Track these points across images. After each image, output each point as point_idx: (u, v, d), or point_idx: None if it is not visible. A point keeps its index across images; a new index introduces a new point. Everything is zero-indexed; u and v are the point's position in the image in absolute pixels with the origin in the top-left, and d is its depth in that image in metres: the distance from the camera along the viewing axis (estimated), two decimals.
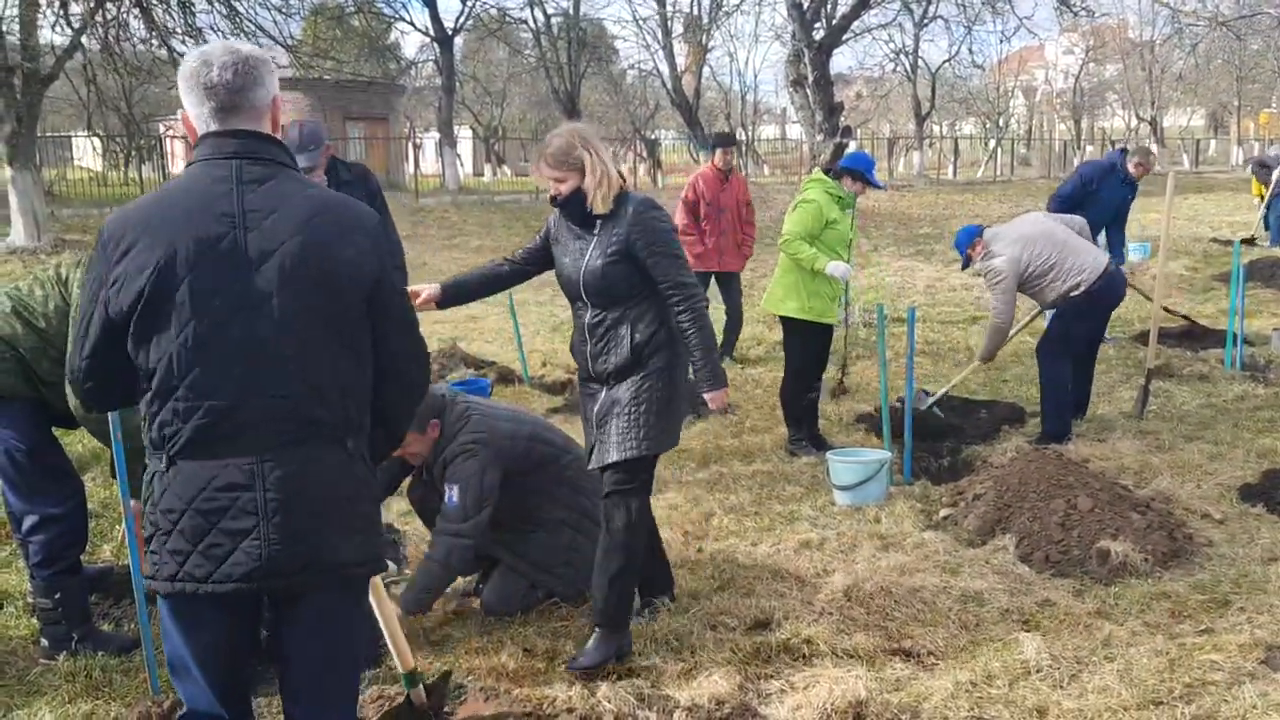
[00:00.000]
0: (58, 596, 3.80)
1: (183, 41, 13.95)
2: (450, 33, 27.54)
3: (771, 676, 3.59)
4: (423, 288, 3.83)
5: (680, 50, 24.92)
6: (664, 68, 25.68)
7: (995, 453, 6.11)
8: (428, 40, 29.27)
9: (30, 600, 4.02)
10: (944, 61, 35.24)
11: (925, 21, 31.78)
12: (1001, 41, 36.25)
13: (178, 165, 29.17)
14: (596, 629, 3.73)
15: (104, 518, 5.20)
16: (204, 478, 2.23)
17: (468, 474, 3.96)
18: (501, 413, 4.30)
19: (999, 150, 39.59)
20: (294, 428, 2.27)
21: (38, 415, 3.70)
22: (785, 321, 6.41)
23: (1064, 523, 4.65)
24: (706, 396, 3.73)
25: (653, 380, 3.64)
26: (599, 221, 3.63)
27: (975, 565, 4.52)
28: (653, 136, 38.63)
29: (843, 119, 11.49)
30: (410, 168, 27.64)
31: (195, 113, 2.34)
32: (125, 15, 13.28)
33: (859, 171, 6.33)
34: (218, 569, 2.24)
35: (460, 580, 4.34)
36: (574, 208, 3.63)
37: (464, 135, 36.76)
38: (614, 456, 3.64)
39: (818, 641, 3.79)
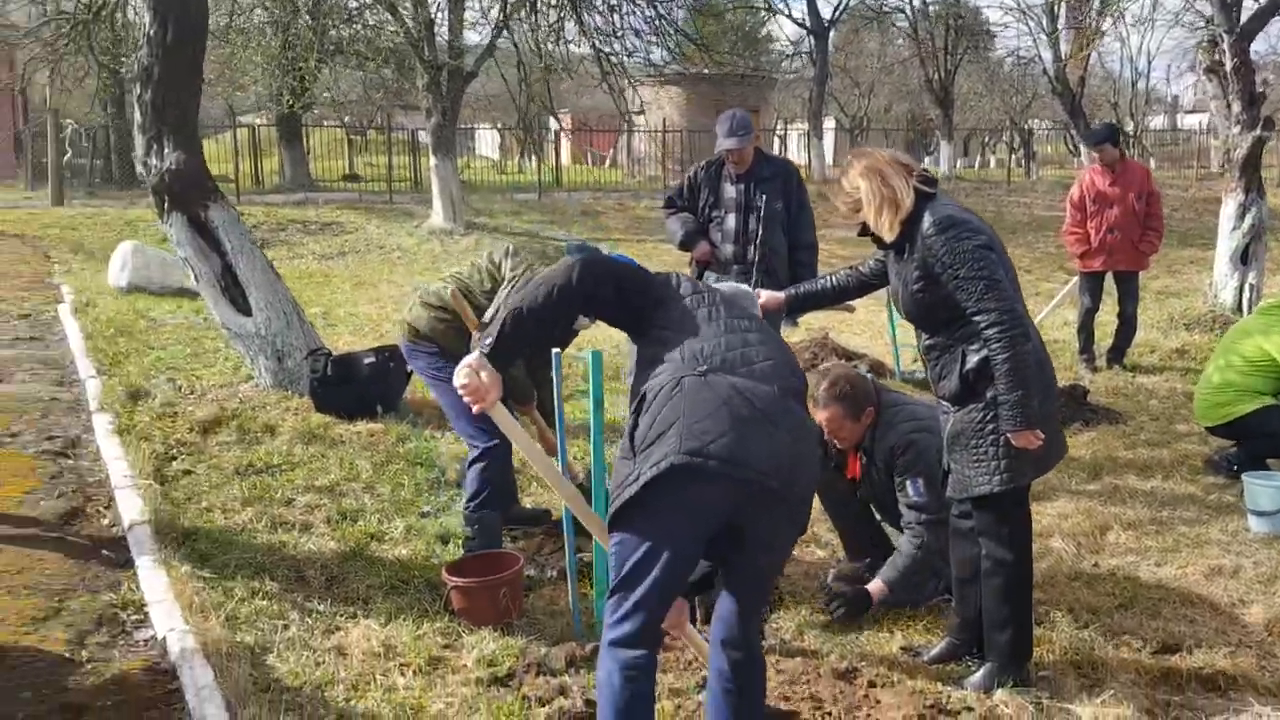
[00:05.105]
0: (475, 528, 4.45)
1: (606, 40, 15.12)
2: (827, 24, 27.62)
3: (1184, 706, 3.42)
4: (763, 294, 3.76)
5: (1065, 37, 23.34)
6: (1046, 54, 24.27)
7: None
8: (802, 33, 29.54)
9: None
10: None
11: None
12: None
13: (564, 157, 31.40)
14: (988, 662, 3.55)
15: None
16: (741, 386, 2.70)
17: (929, 464, 3.94)
18: (918, 402, 4.31)
19: None
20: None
21: None
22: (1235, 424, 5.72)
23: None
24: (1009, 435, 3.28)
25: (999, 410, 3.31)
26: (906, 245, 3.39)
27: None
28: (1027, 126, 36.69)
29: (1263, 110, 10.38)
30: None
31: None
32: (563, 19, 14.63)
33: None
34: (749, 454, 2.61)
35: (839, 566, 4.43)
36: (874, 237, 3.46)
37: (828, 126, 36.66)
38: (975, 491, 3.41)
39: (1236, 675, 3.57)
